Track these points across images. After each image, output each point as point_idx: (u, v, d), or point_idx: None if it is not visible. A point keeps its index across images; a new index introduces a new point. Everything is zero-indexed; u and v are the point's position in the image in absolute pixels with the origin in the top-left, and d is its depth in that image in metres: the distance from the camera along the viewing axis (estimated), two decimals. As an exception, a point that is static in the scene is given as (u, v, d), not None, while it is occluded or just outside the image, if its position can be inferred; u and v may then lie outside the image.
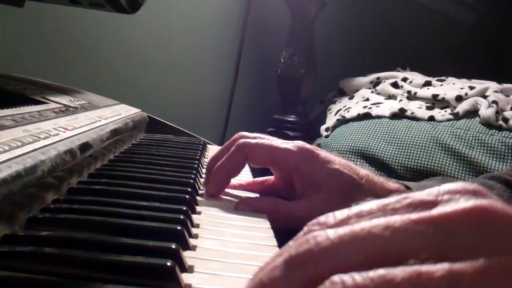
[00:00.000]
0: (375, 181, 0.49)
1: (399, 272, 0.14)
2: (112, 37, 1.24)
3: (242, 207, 0.46)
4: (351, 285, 0.15)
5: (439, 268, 0.14)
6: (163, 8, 1.31)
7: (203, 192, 0.50)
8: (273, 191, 0.54)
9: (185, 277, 0.27)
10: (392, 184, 0.50)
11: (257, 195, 0.53)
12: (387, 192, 0.48)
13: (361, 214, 0.18)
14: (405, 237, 0.16)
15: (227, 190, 0.53)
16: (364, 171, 0.49)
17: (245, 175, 0.61)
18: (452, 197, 0.17)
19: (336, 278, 0.15)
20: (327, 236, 0.17)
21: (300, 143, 0.49)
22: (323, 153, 0.49)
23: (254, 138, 0.50)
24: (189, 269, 0.29)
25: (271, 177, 0.55)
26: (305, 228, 0.19)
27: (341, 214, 0.19)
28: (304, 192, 0.48)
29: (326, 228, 0.18)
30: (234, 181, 0.53)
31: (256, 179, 0.56)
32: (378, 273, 0.15)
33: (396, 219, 0.16)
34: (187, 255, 0.31)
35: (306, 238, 0.17)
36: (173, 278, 0.26)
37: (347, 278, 0.15)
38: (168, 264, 0.26)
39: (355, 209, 0.19)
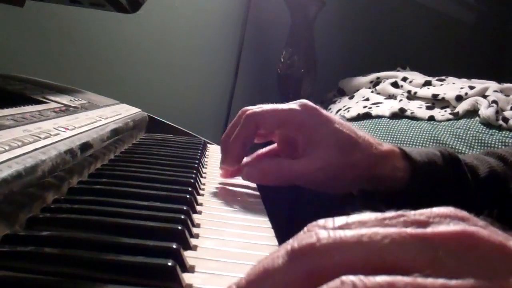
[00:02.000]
0: (371, 142, 0.52)
1: (405, 280, 0.15)
2: (112, 37, 1.24)
3: (248, 171, 0.50)
4: (361, 287, 0.15)
5: (438, 282, 0.15)
6: (163, 8, 1.31)
7: (204, 192, 0.50)
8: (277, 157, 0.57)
9: (186, 277, 0.27)
10: (386, 146, 0.53)
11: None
12: (380, 152, 0.51)
13: (359, 223, 0.19)
14: (402, 247, 0.17)
15: (227, 189, 0.53)
16: (362, 132, 0.52)
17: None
18: (443, 220, 0.18)
19: (346, 278, 0.16)
20: (328, 234, 0.18)
21: (303, 101, 0.52)
22: (325, 112, 0.52)
23: (258, 107, 0.53)
24: (190, 269, 0.29)
25: (274, 145, 0.57)
26: (305, 228, 0.19)
27: (340, 220, 0.19)
28: (305, 149, 0.51)
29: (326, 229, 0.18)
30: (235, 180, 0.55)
31: (259, 150, 0.58)
32: (385, 279, 0.15)
33: (394, 231, 0.17)
34: (188, 255, 0.31)
35: (309, 233, 0.18)
36: (174, 278, 0.26)
37: (357, 280, 0.15)
38: (169, 264, 0.26)
39: (353, 218, 0.19)
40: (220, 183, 0.55)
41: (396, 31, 1.82)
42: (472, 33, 2.04)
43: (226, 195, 0.51)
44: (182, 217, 0.35)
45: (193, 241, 0.33)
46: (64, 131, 0.44)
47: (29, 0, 0.75)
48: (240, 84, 1.53)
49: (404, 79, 1.26)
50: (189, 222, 0.36)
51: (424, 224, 0.18)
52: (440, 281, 0.15)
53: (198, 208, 0.43)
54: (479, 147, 0.95)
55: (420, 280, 0.15)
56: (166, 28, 1.34)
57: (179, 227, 0.32)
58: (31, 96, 0.58)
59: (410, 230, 0.17)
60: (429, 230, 0.17)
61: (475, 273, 0.15)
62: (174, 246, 0.29)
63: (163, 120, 0.84)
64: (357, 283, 0.15)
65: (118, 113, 0.67)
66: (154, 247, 0.29)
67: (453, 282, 0.15)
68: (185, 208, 0.38)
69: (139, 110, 0.78)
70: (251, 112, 0.52)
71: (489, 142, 0.94)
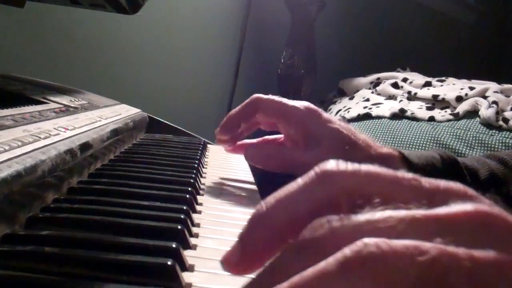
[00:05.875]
0: (371, 144, 0.53)
1: (429, 246, 0.15)
2: (112, 37, 1.24)
3: (251, 151, 0.54)
4: (385, 248, 0.15)
5: (461, 249, 0.15)
6: (163, 8, 1.31)
7: (204, 191, 0.50)
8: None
9: (186, 276, 0.27)
10: (386, 149, 0.54)
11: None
12: (379, 155, 0.53)
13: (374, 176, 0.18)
14: (418, 232, 0.16)
15: (226, 189, 0.53)
16: (362, 135, 0.54)
17: (245, 175, 0.61)
18: (453, 198, 0.17)
19: (368, 240, 0.15)
20: (341, 224, 0.17)
21: (306, 103, 0.55)
22: (326, 114, 0.54)
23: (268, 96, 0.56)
24: (190, 268, 0.29)
25: (281, 136, 0.59)
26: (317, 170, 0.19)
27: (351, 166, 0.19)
28: (307, 147, 0.53)
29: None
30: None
31: (267, 137, 0.61)
32: (410, 243, 0.15)
33: (408, 214, 0.16)
34: (187, 254, 0.31)
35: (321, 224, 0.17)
36: (174, 277, 0.26)
37: (380, 241, 0.15)
38: (169, 263, 0.26)
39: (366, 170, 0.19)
40: (220, 183, 0.55)
41: (396, 31, 1.82)
42: (472, 33, 2.04)
43: (226, 195, 0.51)
44: (182, 216, 0.35)
45: (192, 241, 0.34)
46: (64, 131, 0.44)
47: (29, 1, 0.75)
48: (240, 84, 1.53)
49: (404, 79, 1.26)
50: (189, 222, 0.36)
51: (434, 198, 0.17)
52: (463, 248, 0.15)
53: (198, 207, 0.43)
54: (479, 148, 0.95)
55: (445, 247, 0.15)
56: (166, 28, 1.34)
57: (179, 227, 0.32)
58: (31, 96, 0.58)
59: (424, 212, 0.16)
60: (442, 211, 0.16)
61: (495, 247, 0.15)
62: (174, 246, 0.29)
63: (163, 120, 0.84)
64: (380, 244, 0.15)
65: (118, 113, 0.67)
66: (154, 246, 0.29)
67: (476, 252, 0.15)
68: (184, 207, 0.38)
69: (139, 110, 0.78)
70: (256, 96, 0.56)
71: (489, 142, 0.94)
